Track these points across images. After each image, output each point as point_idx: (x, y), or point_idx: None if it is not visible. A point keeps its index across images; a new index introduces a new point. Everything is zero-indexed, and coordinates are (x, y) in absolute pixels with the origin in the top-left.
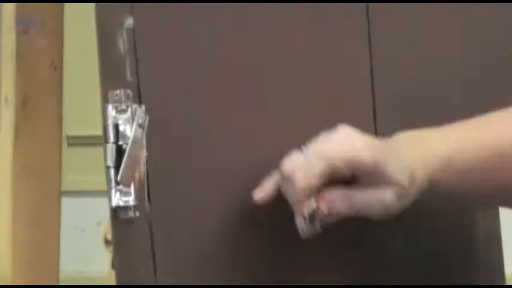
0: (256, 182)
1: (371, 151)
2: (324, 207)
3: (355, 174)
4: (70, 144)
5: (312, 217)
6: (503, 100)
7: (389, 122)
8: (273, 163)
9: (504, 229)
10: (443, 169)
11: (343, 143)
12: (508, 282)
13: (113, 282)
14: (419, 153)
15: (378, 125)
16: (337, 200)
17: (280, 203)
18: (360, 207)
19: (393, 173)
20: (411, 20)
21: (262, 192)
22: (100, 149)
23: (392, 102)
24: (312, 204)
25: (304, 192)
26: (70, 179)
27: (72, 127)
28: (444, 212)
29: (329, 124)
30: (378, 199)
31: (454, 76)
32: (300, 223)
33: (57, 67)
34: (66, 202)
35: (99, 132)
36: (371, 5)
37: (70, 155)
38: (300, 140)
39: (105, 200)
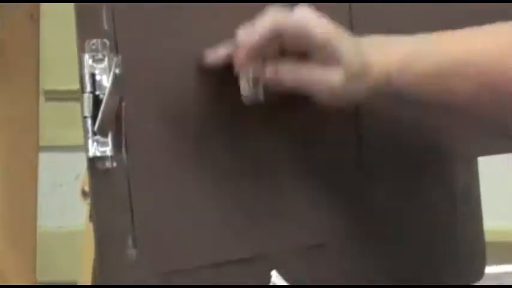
0: (236, 138)
1: (325, 27)
2: (268, 74)
3: (307, 50)
4: (48, 99)
5: (256, 82)
6: None
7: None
8: None
9: (483, 185)
10: (400, 69)
11: (298, 16)
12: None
13: (91, 235)
14: (378, 50)
15: None
16: (283, 70)
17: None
18: (305, 83)
19: (345, 52)
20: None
21: (214, 54)
22: (77, 104)
23: None
24: (257, 68)
25: (247, 51)
26: (48, 134)
27: (49, 81)
28: (428, 163)
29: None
30: (325, 78)
31: None
32: (244, 87)
33: (33, 15)
34: (43, 157)
35: (77, 86)
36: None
37: (47, 110)
38: None
39: (83, 154)
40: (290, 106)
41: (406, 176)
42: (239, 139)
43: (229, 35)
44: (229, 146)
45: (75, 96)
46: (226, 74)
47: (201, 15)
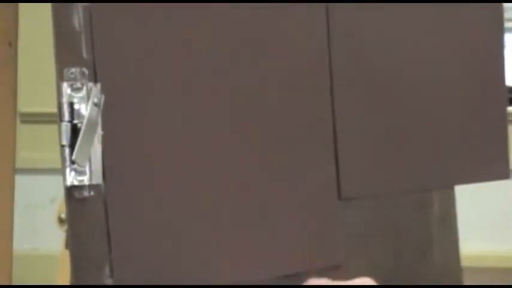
0: (213, 160)
1: None
2: None
3: None
4: (23, 121)
5: None
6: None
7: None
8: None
9: (460, 210)
10: None
11: None
12: (464, 262)
13: (67, 262)
14: None
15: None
16: None
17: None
18: None
19: None
20: (370, 19)
21: None
22: (53, 127)
23: (353, 102)
24: None
25: None
26: (23, 157)
27: (25, 104)
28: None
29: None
30: None
31: (413, 74)
32: None
33: (12, 43)
34: (18, 180)
35: (53, 109)
36: (330, 5)
37: (23, 132)
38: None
39: (58, 177)
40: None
41: (382, 204)
42: (219, 167)
43: (210, 63)
44: (209, 173)
45: (51, 119)
46: (208, 106)
47: (181, 44)
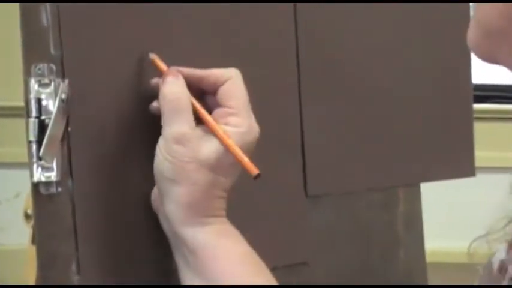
0: None
1: None
2: None
3: None
4: None
5: None
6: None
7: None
8: None
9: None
10: None
11: None
12: (428, 258)
13: (33, 257)
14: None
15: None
16: None
17: None
18: None
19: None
20: (338, 19)
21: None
22: (18, 121)
23: (320, 101)
24: None
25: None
26: None
27: None
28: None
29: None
30: None
31: (379, 72)
32: None
33: None
34: None
35: (19, 103)
36: (298, 4)
37: None
38: None
39: (23, 172)
40: None
41: (349, 203)
42: None
43: (178, 56)
44: None
45: (18, 112)
46: None
47: (149, 37)
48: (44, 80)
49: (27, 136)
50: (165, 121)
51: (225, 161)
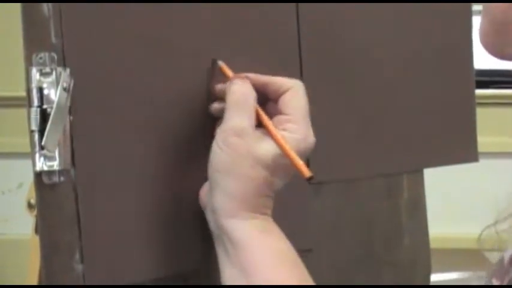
0: (185, 141)
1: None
2: None
3: None
4: None
5: None
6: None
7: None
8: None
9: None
10: None
11: None
12: (432, 243)
13: (37, 247)
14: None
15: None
16: None
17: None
18: None
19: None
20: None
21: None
22: (21, 111)
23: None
24: None
25: None
26: None
27: None
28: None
29: None
30: None
31: (382, 59)
32: None
33: None
34: None
35: (21, 93)
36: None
37: None
38: None
39: (26, 162)
40: None
41: (353, 190)
42: (194, 155)
43: (183, 46)
44: (180, 163)
45: (19, 102)
46: (180, 89)
47: (152, 27)
48: (46, 69)
49: (30, 125)
50: (227, 115)
51: (280, 162)
